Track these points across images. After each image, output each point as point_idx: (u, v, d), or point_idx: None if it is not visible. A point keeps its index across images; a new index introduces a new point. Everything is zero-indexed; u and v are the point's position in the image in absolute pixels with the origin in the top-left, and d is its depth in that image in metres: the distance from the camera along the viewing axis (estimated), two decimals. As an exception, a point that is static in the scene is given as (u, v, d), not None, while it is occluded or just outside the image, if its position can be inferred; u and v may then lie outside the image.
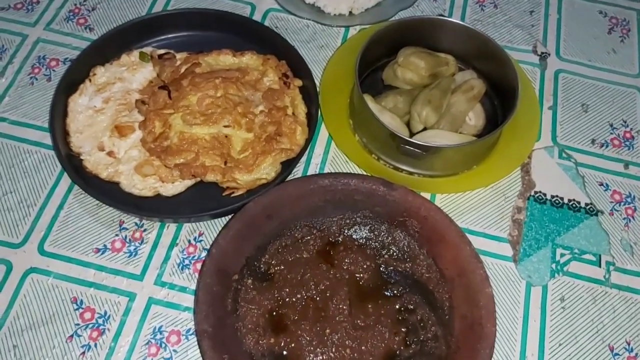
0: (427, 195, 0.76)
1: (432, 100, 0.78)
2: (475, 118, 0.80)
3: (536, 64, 0.90)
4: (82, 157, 0.75)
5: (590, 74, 0.89)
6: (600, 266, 0.73)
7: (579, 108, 0.85)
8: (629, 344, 0.68)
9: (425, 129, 0.79)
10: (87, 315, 0.67)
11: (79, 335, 0.66)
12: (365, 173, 0.77)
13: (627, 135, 0.84)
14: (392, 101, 0.80)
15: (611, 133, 0.84)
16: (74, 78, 0.80)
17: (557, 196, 0.78)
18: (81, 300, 0.68)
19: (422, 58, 0.80)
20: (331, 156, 0.80)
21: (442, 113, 0.78)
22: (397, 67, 0.81)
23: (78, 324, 0.67)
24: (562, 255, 0.74)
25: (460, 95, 0.79)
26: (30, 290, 0.68)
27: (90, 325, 0.67)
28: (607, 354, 0.68)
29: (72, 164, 0.74)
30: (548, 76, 0.89)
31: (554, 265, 0.73)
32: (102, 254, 0.71)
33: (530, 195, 0.78)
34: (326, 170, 0.79)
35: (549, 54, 0.91)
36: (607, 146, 0.83)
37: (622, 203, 0.78)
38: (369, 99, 0.77)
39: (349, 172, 0.78)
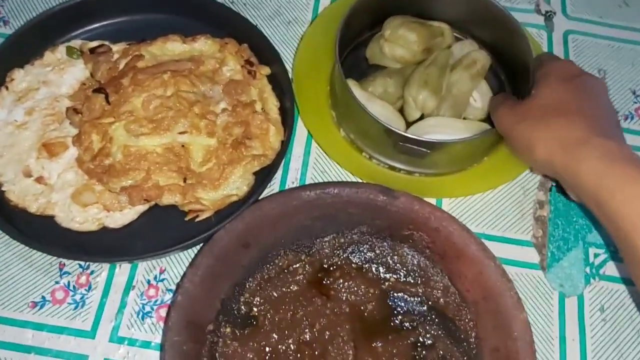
0: (433, 200, 0.63)
1: (429, 80, 0.64)
2: (481, 98, 0.67)
3: (541, 25, 0.77)
4: (4, 188, 0.60)
5: (603, 32, 0.77)
6: (640, 264, 0.62)
7: (596, 75, 0.73)
8: (685, 358, 0.58)
9: (422, 116, 0.66)
10: (28, 389, 0.54)
11: (21, 415, 0.53)
12: (357, 178, 0.64)
13: (653, 102, 0.72)
14: (381, 85, 0.67)
15: (635, 102, 0.72)
16: (-14, 86, 0.64)
17: (582, 184, 0.66)
18: (19, 371, 0.55)
19: (413, 29, 0.67)
20: (313, 158, 0.66)
21: (442, 96, 0.65)
22: (383, 42, 0.67)
23: (18, 400, 0.54)
24: (596, 255, 0.62)
25: (462, 72, 0.66)
26: (-47, 363, 0.54)
27: (34, 400, 0.54)
28: (659, 370, 0.58)
29: (-9, 198, 0.59)
30: (556, 39, 0.76)
31: (588, 269, 0.62)
32: (40, 308, 0.57)
33: (552, 185, 0.66)
34: (309, 176, 0.65)
35: (555, 13, 0.78)
36: (632, 119, 0.71)
37: (656, 184, 0.67)
38: (353, 86, 0.64)
39: (337, 180, 0.65)
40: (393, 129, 0.58)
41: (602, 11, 0.79)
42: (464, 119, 0.67)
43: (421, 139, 0.58)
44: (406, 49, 0.67)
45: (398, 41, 0.67)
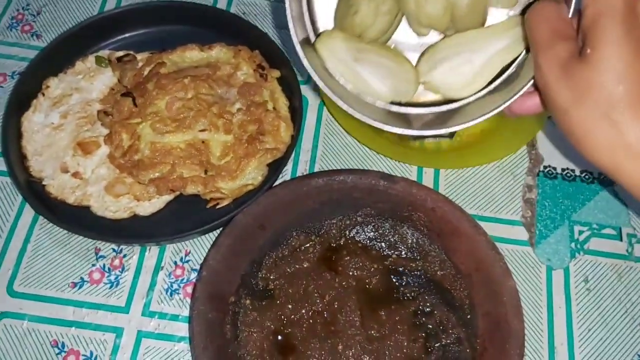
0: (431, 178, 0.70)
1: None
2: None
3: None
4: (44, 182, 0.67)
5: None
6: (621, 240, 0.68)
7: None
8: (663, 322, 0.64)
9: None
10: (72, 358, 0.60)
11: (64, 382, 0.60)
12: (361, 166, 0.71)
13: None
14: (370, 12, 0.49)
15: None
16: (25, 93, 0.71)
17: (567, 169, 0.72)
18: (63, 343, 0.61)
19: None
20: (320, 151, 0.73)
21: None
22: None
23: (62, 370, 0.60)
24: (580, 232, 0.68)
25: None
26: (4, 337, 0.61)
27: (76, 370, 0.60)
28: (639, 334, 0.63)
29: (34, 191, 0.66)
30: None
31: (573, 245, 0.68)
32: (79, 288, 0.64)
33: (539, 170, 0.72)
34: (317, 168, 0.72)
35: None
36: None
37: (635, 168, 0.73)
38: (335, 41, 0.49)
39: (343, 168, 0.71)
40: (387, 128, 0.49)
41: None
42: (489, 26, 0.49)
43: (424, 133, 0.50)
44: None
45: None
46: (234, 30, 0.77)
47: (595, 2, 0.38)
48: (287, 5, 0.48)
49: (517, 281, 0.64)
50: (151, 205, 0.66)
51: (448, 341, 0.59)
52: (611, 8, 0.37)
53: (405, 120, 0.52)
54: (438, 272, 0.63)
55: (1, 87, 0.76)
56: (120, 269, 0.65)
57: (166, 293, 0.64)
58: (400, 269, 0.63)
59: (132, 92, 0.70)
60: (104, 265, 0.65)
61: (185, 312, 0.63)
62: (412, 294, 0.62)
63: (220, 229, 0.64)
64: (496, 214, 0.69)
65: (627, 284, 0.66)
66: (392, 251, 0.64)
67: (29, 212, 0.67)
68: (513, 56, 0.48)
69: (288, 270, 0.63)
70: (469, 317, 0.60)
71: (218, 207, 0.66)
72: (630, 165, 0.38)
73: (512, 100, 0.46)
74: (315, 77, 0.49)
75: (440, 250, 0.63)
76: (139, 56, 0.75)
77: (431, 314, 0.61)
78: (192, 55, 0.75)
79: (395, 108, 0.52)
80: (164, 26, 0.79)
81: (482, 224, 0.62)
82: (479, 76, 0.49)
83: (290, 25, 0.49)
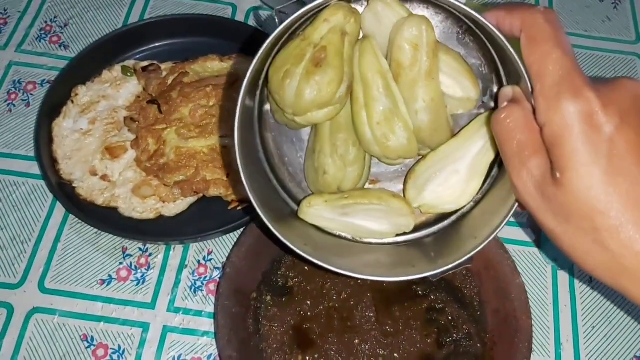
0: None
1: (381, 119, 0.46)
2: (455, 81, 0.46)
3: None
4: (74, 185, 0.70)
5: (588, 44, 0.87)
6: (624, 242, 0.71)
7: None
8: (664, 320, 0.67)
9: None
10: (101, 352, 0.63)
11: (93, 374, 0.63)
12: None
13: (633, 103, 0.82)
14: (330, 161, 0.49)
15: (617, 103, 0.81)
16: (55, 100, 0.75)
17: (571, 174, 0.75)
18: (92, 337, 0.64)
19: (324, 72, 0.44)
20: (336, 156, 0.76)
21: (412, 123, 0.47)
22: (290, 115, 0.47)
23: (91, 363, 0.63)
24: (584, 234, 0.71)
25: (410, 78, 0.45)
26: (36, 332, 0.64)
27: (105, 362, 0.63)
28: (642, 331, 0.66)
29: (65, 193, 0.69)
30: (546, 51, 0.86)
31: (577, 246, 0.71)
32: (108, 285, 0.67)
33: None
34: (332, 172, 0.75)
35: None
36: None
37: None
38: (314, 207, 0.51)
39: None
40: (404, 278, 0.50)
41: (587, 25, 0.89)
42: (457, 133, 0.49)
43: (447, 267, 0.49)
44: (328, 108, 0.46)
45: (307, 111, 0.46)
46: (252, 42, 0.80)
47: (552, 123, 0.35)
48: (249, 194, 0.46)
49: (525, 280, 0.67)
50: (176, 206, 0.70)
51: (459, 336, 0.62)
52: (569, 128, 0.34)
53: (421, 248, 0.54)
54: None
55: (31, 94, 0.80)
56: (146, 267, 0.68)
57: (190, 290, 0.67)
58: (413, 268, 0.67)
59: (157, 100, 0.74)
60: (131, 263, 0.68)
61: (209, 308, 0.66)
62: (425, 291, 0.65)
63: (241, 229, 0.67)
64: (504, 217, 0.72)
65: (630, 284, 0.69)
66: (405, 251, 0.68)
67: (59, 213, 0.71)
68: (494, 152, 0.47)
69: (306, 268, 0.66)
70: (478, 313, 0.63)
71: (239, 208, 0.70)
72: (638, 291, 0.36)
73: (513, 210, 0.44)
74: (303, 254, 0.48)
75: (451, 250, 0.66)
76: (163, 66, 0.78)
77: (443, 311, 0.64)
78: (212, 65, 0.79)
79: (403, 238, 0.54)
80: (186, 38, 0.83)
81: (490, 226, 0.65)
82: (472, 181, 0.49)
83: (259, 211, 0.46)
